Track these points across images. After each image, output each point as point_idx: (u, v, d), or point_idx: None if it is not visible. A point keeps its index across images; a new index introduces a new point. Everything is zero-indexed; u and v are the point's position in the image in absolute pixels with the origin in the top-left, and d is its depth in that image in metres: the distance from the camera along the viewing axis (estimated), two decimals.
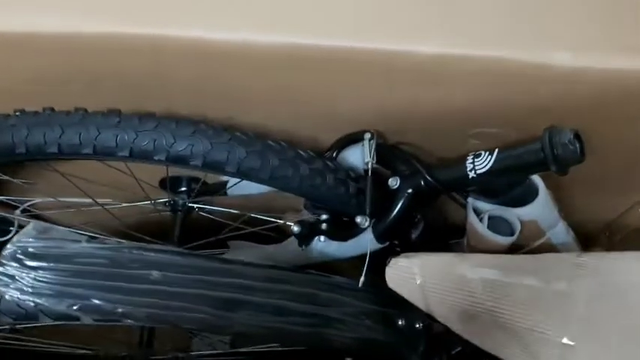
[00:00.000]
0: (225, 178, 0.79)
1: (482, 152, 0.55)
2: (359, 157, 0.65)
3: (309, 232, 0.65)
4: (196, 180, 0.81)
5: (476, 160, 0.55)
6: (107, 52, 0.55)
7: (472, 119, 0.61)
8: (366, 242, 0.63)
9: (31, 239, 0.45)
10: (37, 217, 0.88)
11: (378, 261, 0.61)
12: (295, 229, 0.65)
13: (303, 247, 0.66)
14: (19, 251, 0.44)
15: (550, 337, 0.51)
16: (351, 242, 0.63)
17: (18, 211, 0.81)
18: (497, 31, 0.54)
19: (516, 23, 0.54)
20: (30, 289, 0.43)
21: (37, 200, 0.83)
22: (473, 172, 0.55)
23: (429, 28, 0.54)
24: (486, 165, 0.54)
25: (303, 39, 0.53)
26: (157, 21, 0.54)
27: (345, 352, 0.56)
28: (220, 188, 0.78)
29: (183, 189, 0.81)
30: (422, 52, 0.53)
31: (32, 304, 0.44)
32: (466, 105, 0.59)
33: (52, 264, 0.44)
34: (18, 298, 0.43)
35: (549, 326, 0.51)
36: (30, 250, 0.44)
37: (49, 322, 0.44)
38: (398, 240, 0.64)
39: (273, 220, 0.72)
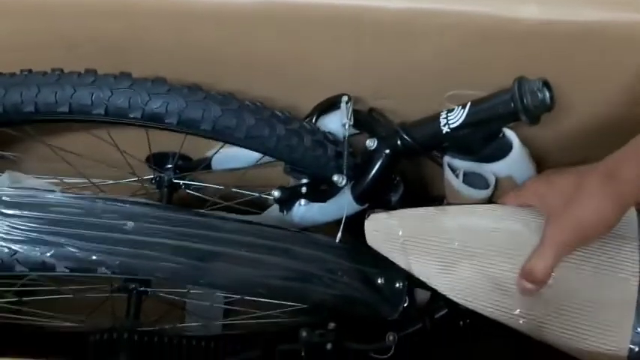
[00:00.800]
0: (210, 152, 0.79)
1: (455, 107, 0.56)
2: (338, 122, 0.66)
3: (289, 196, 0.66)
4: (182, 157, 0.82)
5: (449, 115, 0.56)
6: (82, 15, 0.56)
7: (445, 80, 0.62)
8: (343, 204, 0.63)
9: (4, 188, 0.45)
10: None
11: (358, 225, 0.62)
12: (276, 193, 0.66)
13: (285, 212, 0.67)
14: None
15: None
16: (330, 204, 0.63)
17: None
18: None
19: None
20: (4, 236, 0.44)
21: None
22: (447, 127, 0.56)
23: None
24: (459, 119, 0.55)
25: None
26: None
27: (323, 308, 0.57)
28: (205, 163, 0.79)
29: (169, 166, 0.81)
30: (390, 7, 0.54)
31: (6, 250, 0.44)
32: (438, 64, 0.60)
33: (26, 212, 0.45)
34: None
35: None
36: (4, 198, 0.45)
37: (24, 271, 0.45)
38: (377, 203, 0.65)
39: (254, 194, 0.73)
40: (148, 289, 0.72)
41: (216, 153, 0.73)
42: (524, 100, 0.51)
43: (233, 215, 0.64)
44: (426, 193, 0.75)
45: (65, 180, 0.78)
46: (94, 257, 0.46)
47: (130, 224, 0.47)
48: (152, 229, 0.48)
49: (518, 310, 0.52)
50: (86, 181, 0.77)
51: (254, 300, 0.69)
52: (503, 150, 0.57)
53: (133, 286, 0.69)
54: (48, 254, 0.44)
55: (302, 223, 0.68)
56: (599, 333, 0.50)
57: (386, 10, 0.54)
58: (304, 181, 0.65)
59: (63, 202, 0.47)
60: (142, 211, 0.49)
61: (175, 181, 0.80)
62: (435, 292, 0.67)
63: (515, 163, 0.57)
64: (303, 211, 0.66)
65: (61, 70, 0.55)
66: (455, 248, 0.53)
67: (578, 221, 0.47)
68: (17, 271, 0.45)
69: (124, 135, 0.70)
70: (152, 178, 0.80)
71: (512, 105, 0.51)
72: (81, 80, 0.54)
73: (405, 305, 0.63)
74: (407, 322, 0.66)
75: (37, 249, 0.45)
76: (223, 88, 0.64)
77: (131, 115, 0.54)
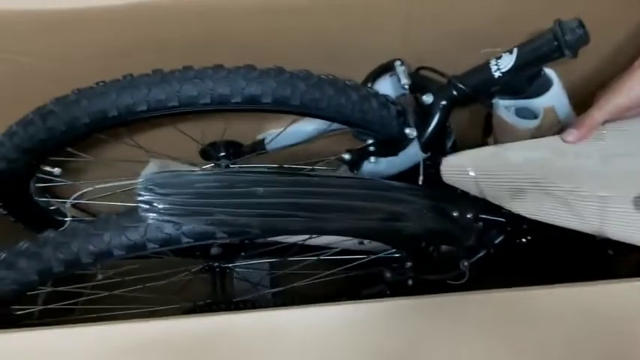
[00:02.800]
0: (261, 135, 0.87)
1: (502, 54, 0.65)
2: (390, 86, 0.75)
3: (359, 157, 0.74)
4: (233, 144, 0.89)
5: (498, 61, 0.65)
6: (160, 20, 0.63)
7: (481, 38, 0.71)
8: (409, 156, 0.72)
9: (156, 174, 0.52)
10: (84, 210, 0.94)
11: (425, 167, 0.71)
12: (346, 156, 0.74)
13: (355, 171, 0.75)
14: (150, 183, 0.51)
15: (588, 193, 0.61)
16: (399, 156, 0.72)
17: (68, 204, 0.87)
18: None
19: None
20: (166, 212, 0.51)
21: (85, 190, 0.89)
22: (498, 72, 0.65)
23: None
24: (509, 63, 0.64)
25: None
26: None
27: (413, 239, 0.66)
28: (259, 146, 0.86)
29: (223, 154, 0.88)
30: None
31: (171, 224, 0.51)
32: (475, 24, 0.69)
33: (178, 190, 0.52)
34: (157, 220, 0.51)
35: (585, 185, 0.61)
36: (158, 181, 0.52)
37: (189, 242, 0.52)
38: (436, 150, 0.74)
39: (320, 160, 0.81)
40: (229, 265, 0.80)
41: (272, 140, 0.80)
42: (566, 37, 0.60)
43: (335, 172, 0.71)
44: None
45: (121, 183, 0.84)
46: (240, 220, 0.53)
47: (260, 190, 0.55)
48: (278, 192, 0.56)
49: (582, 220, 0.62)
50: None
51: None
52: (545, 85, 0.67)
53: (217, 264, 0.77)
54: (204, 223, 0.52)
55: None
56: None
57: None
58: (370, 141, 0.74)
59: (203, 179, 0.54)
60: (266, 178, 0.57)
61: (232, 166, 0.87)
62: (486, 224, 0.77)
63: (556, 95, 0.67)
64: (372, 167, 0.75)
65: (161, 70, 0.62)
66: (522, 178, 0.63)
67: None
68: (183, 244, 0.52)
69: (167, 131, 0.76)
70: (211, 166, 0.87)
71: (556, 43, 0.61)
72: (183, 75, 0.60)
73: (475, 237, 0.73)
74: (473, 250, 0.76)
75: (194, 220, 0.52)
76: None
77: (233, 101, 0.61)
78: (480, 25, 0.69)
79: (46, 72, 0.66)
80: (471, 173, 0.64)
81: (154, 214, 0.50)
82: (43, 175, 0.76)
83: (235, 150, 0.88)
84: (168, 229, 0.52)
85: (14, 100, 0.66)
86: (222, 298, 0.76)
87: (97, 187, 0.86)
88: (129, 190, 0.83)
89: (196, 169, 0.54)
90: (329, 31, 0.69)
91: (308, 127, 0.81)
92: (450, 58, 0.74)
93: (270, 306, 0.79)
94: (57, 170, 0.76)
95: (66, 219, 0.86)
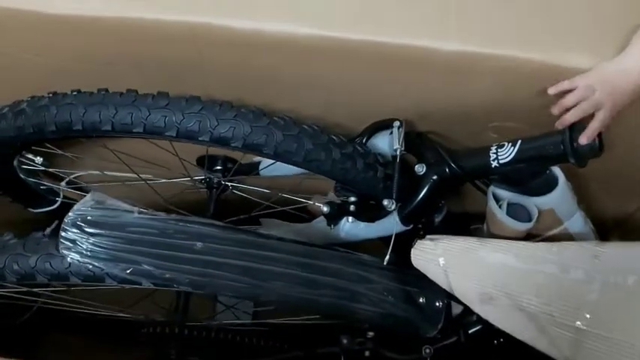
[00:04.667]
0: (258, 158, 0.83)
1: (505, 143, 0.59)
2: (387, 143, 0.69)
3: (337, 212, 0.69)
4: (231, 160, 0.86)
5: (499, 150, 0.58)
6: (149, 37, 0.59)
7: (489, 114, 0.64)
8: (391, 224, 0.67)
9: (89, 208, 0.49)
10: (80, 189, 0.93)
11: (402, 242, 0.65)
12: (325, 209, 0.69)
13: (332, 226, 0.71)
14: (79, 219, 0.49)
15: (565, 322, 0.55)
16: (377, 224, 0.67)
17: (64, 183, 0.86)
18: (512, 31, 0.57)
19: (530, 23, 0.57)
20: (89, 253, 0.49)
21: (83, 173, 0.88)
22: (496, 161, 0.58)
23: (448, 27, 0.57)
24: (509, 155, 0.57)
25: (332, 31, 0.57)
26: (197, 10, 0.58)
27: (368, 324, 0.60)
28: (254, 169, 0.83)
29: (219, 168, 0.85)
30: (442, 49, 0.56)
31: (90, 266, 0.48)
32: (482, 101, 0.62)
33: (107, 231, 0.49)
34: (78, 261, 0.48)
35: (564, 311, 0.55)
36: (88, 217, 0.49)
37: (113, 284, 0.50)
38: (422, 224, 0.68)
39: (303, 200, 0.76)
40: None
41: (267, 167, 0.76)
42: (574, 144, 0.53)
43: (288, 228, 0.67)
44: (464, 210, 0.78)
45: (122, 175, 0.83)
46: (167, 275, 0.50)
47: (199, 245, 0.52)
48: (219, 249, 0.52)
49: (552, 346, 0.55)
50: (141, 181, 0.81)
51: None
52: (548, 184, 0.60)
53: None
54: (127, 271, 0.49)
55: (347, 238, 0.72)
56: None
57: (438, 52, 0.56)
58: (352, 199, 0.69)
59: (140, 223, 0.51)
60: (210, 232, 0.53)
61: (224, 183, 0.83)
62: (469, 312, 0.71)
63: (558, 198, 0.60)
64: (349, 227, 0.70)
65: (136, 92, 0.59)
66: (494, 284, 0.56)
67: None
68: (107, 284, 0.49)
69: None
70: (202, 179, 0.84)
71: (562, 147, 0.54)
72: (155, 103, 0.57)
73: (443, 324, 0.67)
74: (443, 335, 0.70)
75: (117, 266, 0.49)
76: (279, 108, 0.68)
77: (200, 138, 0.57)
78: (493, 100, 0.62)
79: (34, 65, 0.64)
80: (441, 262, 0.58)
81: (75, 254, 0.47)
82: (26, 161, 0.75)
83: (231, 167, 0.85)
84: (92, 268, 0.49)
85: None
86: (178, 321, 0.74)
87: (92, 172, 0.86)
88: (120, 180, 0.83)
89: (135, 210, 0.51)
90: (329, 77, 0.64)
91: None
92: (457, 126, 0.68)
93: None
94: (39, 159, 0.75)
95: (57, 198, 0.87)
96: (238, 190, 0.85)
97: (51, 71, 0.65)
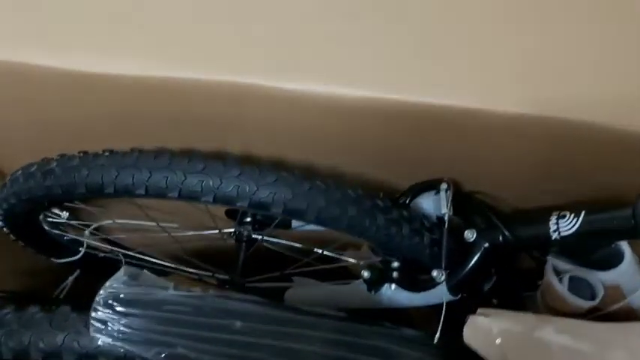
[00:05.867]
0: None
1: (567, 213, 0.54)
2: (432, 205, 0.65)
3: (379, 278, 0.65)
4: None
5: (560, 221, 0.54)
6: (188, 97, 0.57)
7: (540, 176, 0.60)
8: (437, 293, 0.62)
9: (122, 285, 0.46)
10: (104, 240, 0.90)
11: (448, 312, 0.61)
12: (365, 274, 0.65)
13: (373, 292, 0.66)
14: (111, 297, 0.45)
15: None
16: (422, 294, 0.62)
17: (87, 233, 0.84)
18: (574, 92, 0.53)
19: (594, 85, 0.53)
20: (120, 336, 0.45)
21: (105, 223, 0.85)
22: (557, 233, 0.54)
23: (503, 89, 0.53)
24: (572, 227, 0.53)
25: (381, 93, 0.54)
26: (236, 68, 0.55)
27: None
28: (287, 222, 0.79)
29: (248, 219, 0.81)
30: (497, 112, 0.53)
31: (122, 350, 0.45)
32: (535, 164, 0.58)
33: (141, 311, 0.46)
34: (109, 344, 0.44)
35: None
36: (121, 296, 0.46)
37: None
38: (470, 292, 0.63)
39: (342, 258, 0.72)
40: None
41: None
42: None
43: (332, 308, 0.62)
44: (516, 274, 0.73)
45: (146, 224, 0.80)
46: (204, 359, 0.46)
47: (239, 324, 0.48)
48: (260, 330, 0.48)
49: None
50: (166, 233, 0.78)
51: None
52: (613, 258, 0.55)
53: None
54: (161, 355, 0.45)
55: (389, 305, 0.67)
56: None
57: (492, 114, 0.53)
58: (396, 264, 0.64)
59: (175, 301, 0.47)
60: (249, 309, 0.49)
61: (254, 236, 0.80)
62: None
63: (624, 273, 0.55)
64: (392, 294, 0.65)
65: (171, 152, 0.56)
66: None
67: None
68: None
69: None
70: (232, 232, 0.80)
71: (633, 222, 0.49)
72: (191, 167, 0.54)
73: None
74: None
75: (150, 350, 0.45)
76: (323, 165, 0.64)
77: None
78: (546, 161, 0.58)
79: (62, 123, 0.62)
80: (498, 342, 0.54)
81: (106, 337, 0.44)
82: (52, 215, 0.73)
83: (262, 219, 0.82)
84: (123, 351, 0.45)
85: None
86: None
87: (116, 221, 0.83)
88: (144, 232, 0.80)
89: (170, 286, 0.47)
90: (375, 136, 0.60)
91: None
92: (507, 188, 0.64)
93: None
94: (65, 214, 0.73)
95: (80, 248, 0.84)
96: (270, 244, 0.82)
97: (83, 129, 0.62)
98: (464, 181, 0.66)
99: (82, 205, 0.72)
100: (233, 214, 0.80)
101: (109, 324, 0.45)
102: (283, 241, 0.82)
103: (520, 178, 0.62)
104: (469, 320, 0.56)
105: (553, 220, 0.54)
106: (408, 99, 0.54)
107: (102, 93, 0.58)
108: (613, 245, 0.55)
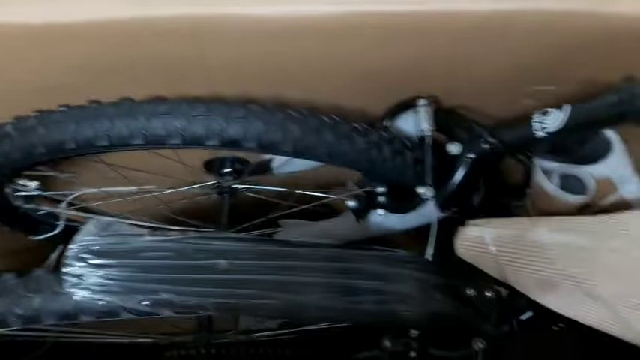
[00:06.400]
0: (268, 156, 0.77)
1: (549, 110, 0.52)
2: (412, 125, 0.63)
3: (365, 206, 0.63)
4: (240, 160, 0.79)
5: (544, 118, 0.52)
6: (146, 36, 0.53)
7: (526, 78, 0.58)
8: (426, 212, 0.61)
9: (92, 237, 0.43)
10: (82, 209, 0.87)
11: (438, 229, 0.59)
12: (351, 204, 0.63)
13: (360, 221, 0.64)
14: (83, 250, 0.43)
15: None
16: (411, 214, 0.61)
17: (63, 205, 0.81)
18: None
19: None
20: (98, 288, 0.42)
21: (82, 193, 0.82)
22: (542, 131, 0.52)
23: None
24: (558, 123, 0.51)
25: (351, 6, 0.50)
26: (196, 1, 0.51)
27: (416, 326, 0.54)
28: (266, 168, 0.77)
29: (228, 170, 0.79)
30: (475, 10, 0.50)
31: (102, 302, 0.42)
32: (522, 61, 0.56)
33: (117, 260, 0.43)
34: (88, 298, 0.42)
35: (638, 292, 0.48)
36: (93, 248, 0.43)
37: (131, 317, 0.44)
38: (459, 207, 0.62)
39: (326, 196, 0.70)
40: None
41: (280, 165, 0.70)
42: (635, 102, 0.46)
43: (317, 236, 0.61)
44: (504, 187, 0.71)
45: (124, 189, 0.77)
46: (191, 302, 0.44)
47: (223, 263, 0.45)
48: (244, 265, 0.46)
49: (626, 327, 0.49)
50: (146, 194, 0.75)
51: None
52: (600, 150, 0.54)
53: None
54: (144, 303, 0.43)
55: (379, 232, 0.65)
56: None
57: (471, 13, 0.50)
58: (381, 190, 0.62)
59: (152, 247, 0.45)
60: (231, 246, 0.47)
61: (235, 186, 0.78)
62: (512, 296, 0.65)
63: (615, 164, 0.53)
64: (381, 219, 0.63)
65: (131, 100, 0.53)
66: (554, 268, 0.50)
67: None
68: (124, 317, 0.43)
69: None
70: (212, 185, 0.78)
71: (621, 107, 0.47)
72: (154, 109, 0.51)
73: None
74: (496, 329, 0.64)
75: (132, 299, 0.43)
76: (292, 98, 0.61)
77: (208, 143, 0.51)
78: (533, 64, 0.56)
79: (27, 83, 0.58)
80: (492, 249, 0.52)
81: (82, 291, 0.41)
82: (19, 188, 0.69)
83: (241, 167, 0.79)
84: (104, 303, 0.43)
85: None
86: (205, 339, 0.68)
87: (86, 191, 0.80)
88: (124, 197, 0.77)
89: (145, 232, 0.45)
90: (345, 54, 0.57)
91: None
92: (490, 97, 0.62)
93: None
94: (33, 184, 0.69)
95: (58, 222, 0.81)
96: (252, 192, 0.79)
97: (40, 87, 0.59)
98: (444, 98, 0.63)
99: (51, 173, 0.68)
100: (212, 167, 0.77)
101: (84, 277, 0.42)
102: (266, 188, 0.80)
103: (502, 84, 0.59)
104: (460, 232, 0.54)
105: (536, 118, 0.52)
106: (376, 9, 0.51)
107: (51, 46, 0.54)
108: (600, 136, 0.53)
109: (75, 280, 0.42)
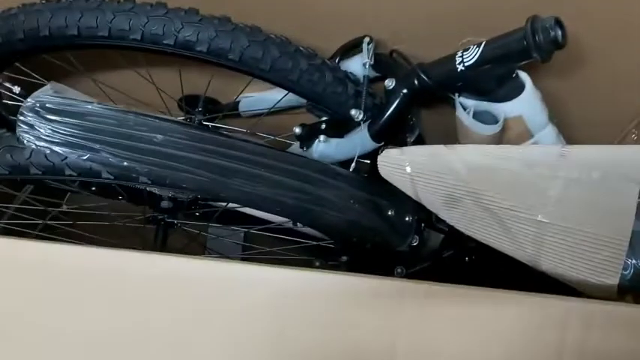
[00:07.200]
0: (238, 98, 0.84)
1: (471, 46, 0.58)
2: (359, 64, 0.69)
3: (309, 132, 0.69)
4: (212, 101, 0.86)
5: (465, 53, 0.58)
6: None
7: (462, 26, 0.64)
8: (362, 142, 0.66)
9: (48, 96, 0.50)
10: None
11: (372, 156, 0.65)
12: (297, 130, 0.70)
13: (305, 148, 0.70)
14: (38, 104, 0.49)
15: (527, 216, 0.54)
16: (348, 140, 0.66)
17: None
18: None
19: None
20: (46, 138, 0.49)
21: None
22: (462, 65, 0.58)
23: None
24: (474, 57, 0.57)
25: None
26: None
27: (334, 231, 0.60)
28: (234, 108, 0.83)
29: (199, 109, 0.85)
30: None
31: (48, 152, 0.49)
32: (455, 9, 0.62)
33: (66, 119, 0.49)
34: (35, 144, 0.48)
35: (527, 206, 0.54)
36: (47, 105, 0.49)
37: (72, 175, 0.50)
38: (394, 142, 0.67)
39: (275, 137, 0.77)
40: (175, 221, 0.77)
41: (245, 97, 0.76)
42: (537, 37, 0.53)
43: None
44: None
45: None
46: (125, 163, 0.50)
47: (160, 137, 0.52)
48: (179, 143, 0.52)
49: (516, 244, 0.55)
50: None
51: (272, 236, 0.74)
52: (515, 91, 0.60)
53: (162, 217, 0.74)
54: (83, 157, 0.49)
55: (321, 160, 0.71)
56: (592, 267, 0.53)
57: None
58: (324, 118, 0.69)
59: (99, 113, 0.51)
60: (171, 126, 0.53)
61: (204, 123, 0.84)
62: (445, 237, 0.71)
63: (526, 103, 0.59)
64: (322, 147, 0.69)
65: None
66: (458, 185, 0.56)
67: None
68: (66, 175, 0.49)
69: (159, 76, 0.75)
70: (184, 119, 0.84)
71: (525, 42, 0.53)
72: (120, 7, 0.58)
73: (416, 244, 0.66)
74: (416, 259, 0.70)
75: (74, 152, 0.49)
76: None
77: (164, 42, 0.58)
78: (465, 10, 0.62)
79: None
80: (407, 169, 0.58)
81: (32, 138, 0.48)
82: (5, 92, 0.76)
83: (212, 107, 0.86)
84: (52, 157, 0.49)
85: None
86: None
87: None
88: None
89: (95, 101, 0.51)
90: None
91: (279, 95, 0.77)
92: (431, 45, 0.68)
93: None
94: (17, 89, 0.76)
95: None
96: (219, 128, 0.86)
97: None
98: (389, 42, 0.70)
99: (36, 78, 0.75)
100: (185, 103, 0.84)
101: (35, 127, 0.49)
102: (231, 127, 0.86)
103: (443, 31, 0.65)
104: (383, 152, 0.60)
105: (459, 54, 0.59)
106: None
107: None
108: (514, 77, 0.59)
109: (27, 128, 0.48)
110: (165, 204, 0.74)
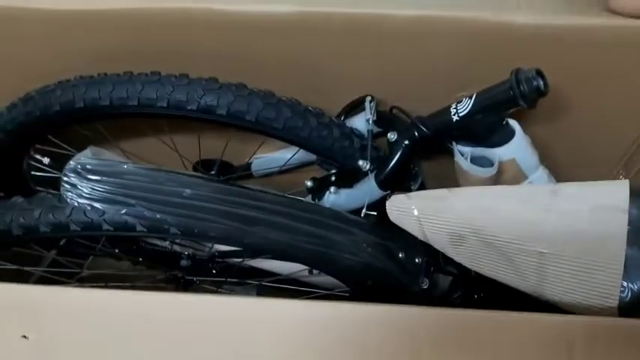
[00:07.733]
0: (250, 160, 0.90)
1: (464, 98, 0.65)
2: (363, 121, 0.76)
3: (320, 185, 0.75)
4: (226, 164, 0.92)
5: (458, 105, 0.65)
6: (147, 27, 0.68)
7: (454, 82, 0.71)
8: (370, 190, 0.72)
9: (88, 159, 0.55)
10: None
11: (380, 203, 0.70)
12: (309, 183, 0.75)
13: (316, 200, 0.76)
14: (79, 166, 0.55)
15: (527, 248, 0.59)
16: (357, 190, 0.72)
17: None
18: None
19: None
20: (87, 195, 0.54)
21: None
22: (456, 115, 0.64)
23: None
24: (467, 108, 0.64)
25: (306, 7, 0.65)
26: None
27: (349, 274, 0.64)
28: (246, 168, 0.89)
29: (213, 172, 0.91)
30: (402, 15, 0.64)
31: (90, 207, 0.54)
32: (446, 67, 0.69)
33: (104, 177, 0.55)
34: (77, 202, 0.54)
35: (526, 239, 0.59)
36: (87, 166, 0.55)
37: (110, 230, 0.55)
38: (399, 190, 0.73)
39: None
40: (194, 278, 0.81)
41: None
42: (521, 87, 0.59)
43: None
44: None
45: None
46: (158, 216, 0.55)
47: (188, 191, 0.57)
48: (206, 196, 0.58)
49: (520, 276, 0.59)
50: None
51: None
52: (506, 136, 0.66)
53: (181, 275, 0.78)
54: (122, 212, 0.54)
55: None
56: (592, 290, 0.57)
57: (399, 17, 0.64)
58: (333, 171, 0.74)
59: (134, 172, 0.56)
60: (197, 181, 0.58)
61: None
62: (454, 280, 0.75)
63: (517, 147, 0.65)
64: (333, 198, 0.75)
65: (130, 73, 0.67)
66: (461, 224, 0.61)
67: None
68: (104, 230, 0.54)
69: (179, 142, 0.81)
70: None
71: (512, 92, 0.60)
72: (148, 78, 0.65)
73: (426, 287, 0.70)
74: (427, 302, 0.73)
75: (113, 207, 0.54)
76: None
77: (188, 107, 0.64)
78: (457, 65, 0.70)
79: (42, 67, 0.72)
80: (415, 212, 0.63)
81: (75, 196, 0.53)
82: (35, 164, 0.82)
83: (226, 170, 0.92)
84: (91, 213, 0.54)
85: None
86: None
87: None
88: None
89: (129, 162, 0.57)
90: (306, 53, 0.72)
91: (289, 154, 0.84)
92: (427, 100, 0.75)
93: None
94: (46, 160, 0.82)
95: None
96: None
97: (53, 71, 0.73)
98: (390, 99, 0.77)
99: (64, 148, 0.81)
100: (200, 167, 0.90)
101: (77, 186, 0.54)
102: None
103: (434, 87, 0.73)
104: (391, 198, 0.65)
105: (453, 106, 0.65)
106: (315, 10, 0.66)
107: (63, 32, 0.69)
108: (505, 124, 0.65)
109: (70, 187, 0.54)
110: (184, 262, 0.78)
